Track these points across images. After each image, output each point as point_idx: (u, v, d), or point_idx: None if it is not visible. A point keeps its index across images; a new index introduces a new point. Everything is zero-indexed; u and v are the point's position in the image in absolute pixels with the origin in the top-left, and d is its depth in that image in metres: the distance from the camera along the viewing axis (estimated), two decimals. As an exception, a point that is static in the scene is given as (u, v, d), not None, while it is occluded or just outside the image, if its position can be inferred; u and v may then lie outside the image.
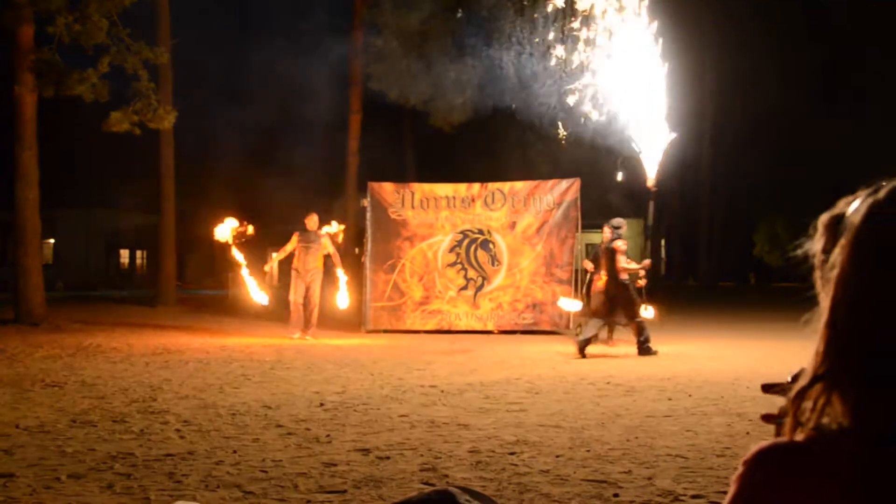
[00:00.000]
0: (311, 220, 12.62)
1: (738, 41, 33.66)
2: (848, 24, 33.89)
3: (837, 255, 0.93)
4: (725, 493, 0.95)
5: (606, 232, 10.53)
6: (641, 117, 10.66)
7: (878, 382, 0.87)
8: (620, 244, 10.22)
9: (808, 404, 0.92)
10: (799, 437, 0.91)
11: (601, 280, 10.35)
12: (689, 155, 31.77)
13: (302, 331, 12.50)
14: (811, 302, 0.97)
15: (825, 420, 0.90)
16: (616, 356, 10.16)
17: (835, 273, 0.92)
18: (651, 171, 10.71)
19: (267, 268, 13.66)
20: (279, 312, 14.31)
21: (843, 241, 0.93)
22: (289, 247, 12.68)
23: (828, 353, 0.92)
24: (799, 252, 1.00)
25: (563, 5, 14.83)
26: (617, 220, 10.51)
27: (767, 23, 33.81)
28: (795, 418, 0.92)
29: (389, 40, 22.64)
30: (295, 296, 12.55)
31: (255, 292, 12.91)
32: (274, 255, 13.47)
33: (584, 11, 12.91)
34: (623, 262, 10.16)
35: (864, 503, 0.84)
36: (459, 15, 22.66)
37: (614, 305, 10.11)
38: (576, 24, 13.57)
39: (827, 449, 0.88)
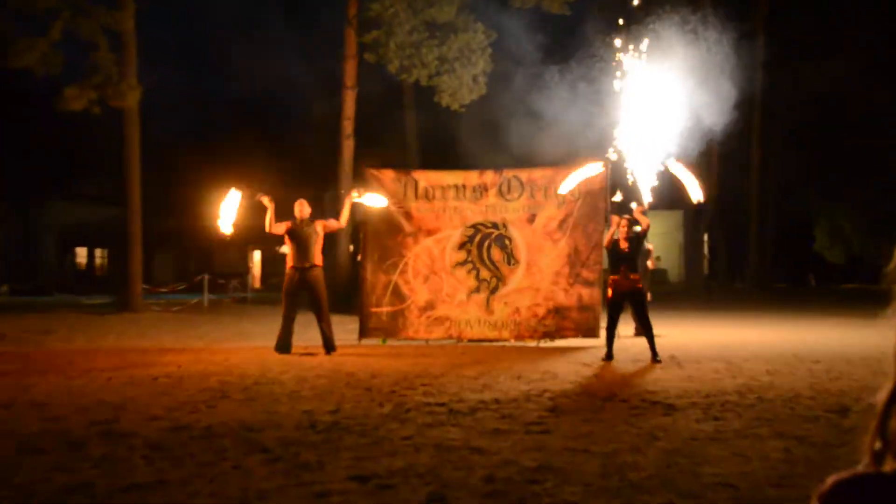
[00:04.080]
0: (302, 208, 12.24)
1: (788, 13, 33.60)
2: None
3: None
4: None
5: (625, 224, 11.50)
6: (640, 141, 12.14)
7: None
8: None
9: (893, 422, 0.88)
10: (889, 466, 0.87)
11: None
12: (733, 132, 31.19)
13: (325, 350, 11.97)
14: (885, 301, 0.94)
15: None
16: (652, 369, 10.14)
17: None
18: (646, 196, 11.95)
19: (283, 249, 12.82)
20: (261, 318, 14.30)
21: None
22: (284, 238, 12.09)
23: None
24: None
25: None
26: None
27: None
28: (876, 438, 0.89)
29: (388, 4, 22.62)
30: (286, 307, 11.99)
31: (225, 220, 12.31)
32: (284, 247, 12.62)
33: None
34: None
35: None
36: None
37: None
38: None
39: None
